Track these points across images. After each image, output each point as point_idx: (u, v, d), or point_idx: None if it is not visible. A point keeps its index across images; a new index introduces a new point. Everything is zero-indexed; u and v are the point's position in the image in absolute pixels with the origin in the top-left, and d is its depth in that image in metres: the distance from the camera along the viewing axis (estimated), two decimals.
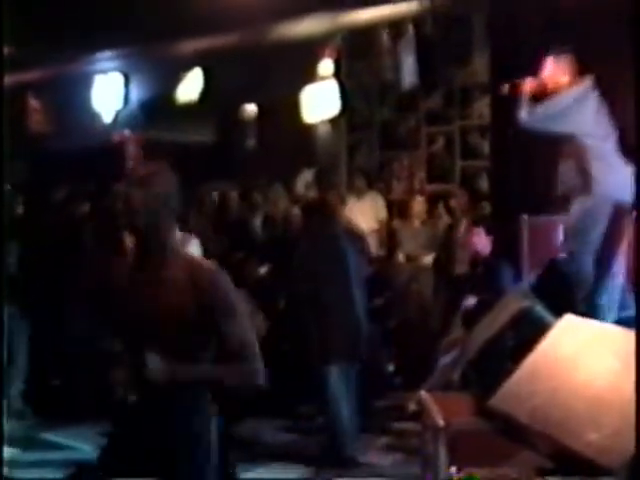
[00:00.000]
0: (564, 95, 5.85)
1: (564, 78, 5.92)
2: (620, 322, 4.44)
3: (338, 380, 6.54)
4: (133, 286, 3.03)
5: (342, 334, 6.51)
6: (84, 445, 6.75)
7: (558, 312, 3.22)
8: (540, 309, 3.63)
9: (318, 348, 6.54)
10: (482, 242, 6.89)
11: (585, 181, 5.71)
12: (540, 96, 5.92)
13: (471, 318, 5.41)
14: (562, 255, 5.82)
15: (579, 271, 5.62)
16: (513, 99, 5.98)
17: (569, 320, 3.03)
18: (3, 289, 6.09)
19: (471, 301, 6.38)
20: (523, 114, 5.87)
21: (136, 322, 3.00)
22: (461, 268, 8.28)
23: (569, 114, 5.77)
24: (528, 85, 5.92)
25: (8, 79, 11.16)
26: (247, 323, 3.09)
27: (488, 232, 6.93)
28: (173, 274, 3.01)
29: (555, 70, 5.96)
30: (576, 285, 5.42)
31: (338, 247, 6.58)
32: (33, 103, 12.32)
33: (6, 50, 10.96)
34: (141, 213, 2.97)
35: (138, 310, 2.99)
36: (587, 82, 5.86)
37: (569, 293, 5.02)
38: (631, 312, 5.23)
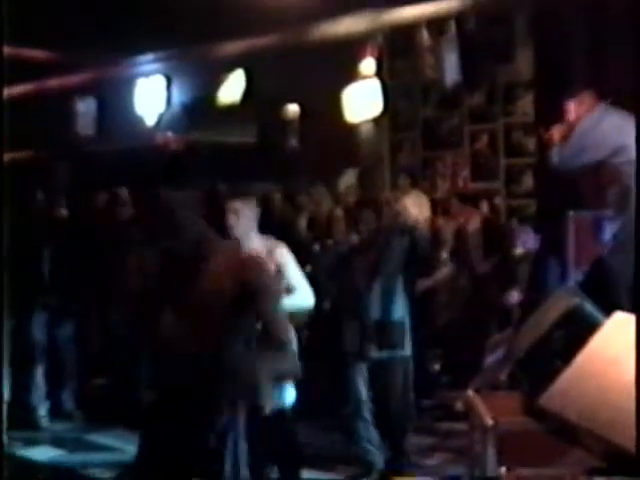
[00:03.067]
0: (580, 126, 5.79)
1: (585, 112, 5.88)
2: None
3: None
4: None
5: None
6: (130, 447, 6.78)
7: (607, 310, 3.17)
8: (589, 307, 3.57)
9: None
10: (530, 240, 6.85)
11: (629, 200, 5.60)
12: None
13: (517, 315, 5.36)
14: (610, 247, 5.72)
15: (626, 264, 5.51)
16: (546, 147, 6.02)
17: (619, 318, 2.98)
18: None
19: (514, 297, 6.31)
20: (554, 159, 5.86)
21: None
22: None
23: (589, 143, 5.71)
24: (557, 133, 5.90)
25: (55, 83, 11.35)
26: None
27: (536, 230, 6.89)
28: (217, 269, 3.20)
29: (579, 110, 5.91)
30: (623, 281, 5.32)
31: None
32: (79, 106, 12.44)
33: (51, 55, 11.14)
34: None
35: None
36: (600, 106, 5.83)
37: (617, 290, 4.94)
38: None
